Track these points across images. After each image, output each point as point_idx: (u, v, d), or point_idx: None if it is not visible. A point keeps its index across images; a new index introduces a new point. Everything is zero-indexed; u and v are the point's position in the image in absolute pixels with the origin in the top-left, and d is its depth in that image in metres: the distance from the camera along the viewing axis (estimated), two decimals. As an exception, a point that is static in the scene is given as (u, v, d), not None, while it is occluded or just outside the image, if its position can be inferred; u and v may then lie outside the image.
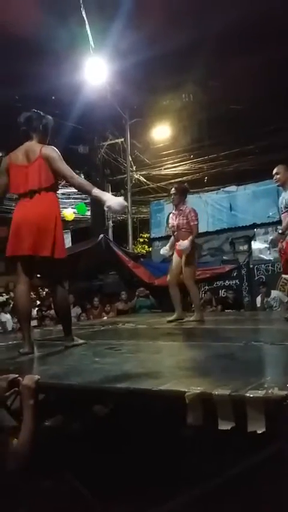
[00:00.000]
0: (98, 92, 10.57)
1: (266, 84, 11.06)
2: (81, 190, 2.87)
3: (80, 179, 2.88)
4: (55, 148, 2.87)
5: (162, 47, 9.70)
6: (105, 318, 8.25)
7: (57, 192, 2.95)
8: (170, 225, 4.77)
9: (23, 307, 2.90)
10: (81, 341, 3.09)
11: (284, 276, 4.80)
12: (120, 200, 2.74)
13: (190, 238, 4.42)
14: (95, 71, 9.71)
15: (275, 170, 4.26)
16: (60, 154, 2.84)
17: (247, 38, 10.10)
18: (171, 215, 4.73)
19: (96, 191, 2.76)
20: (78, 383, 1.89)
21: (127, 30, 9.03)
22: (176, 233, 4.65)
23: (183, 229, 4.51)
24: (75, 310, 9.83)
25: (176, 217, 4.61)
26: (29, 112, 2.96)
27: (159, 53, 9.97)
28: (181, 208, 4.57)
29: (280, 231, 4.23)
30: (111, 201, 2.69)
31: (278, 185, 4.41)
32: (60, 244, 2.83)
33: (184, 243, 4.40)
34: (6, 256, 2.84)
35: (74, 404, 2.94)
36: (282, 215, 4.24)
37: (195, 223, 4.49)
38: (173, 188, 4.76)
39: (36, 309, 10.15)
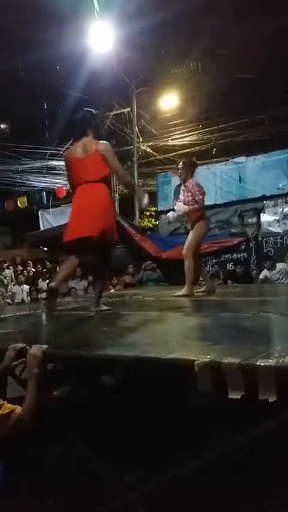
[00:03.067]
0: (104, 59, 10.26)
1: (276, 52, 10.68)
2: (124, 180, 3.52)
3: (123, 171, 3.52)
4: (109, 144, 3.28)
5: (169, 13, 9.35)
6: (112, 291, 8.28)
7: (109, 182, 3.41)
8: (178, 201, 4.69)
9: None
10: (105, 307, 3.27)
11: None
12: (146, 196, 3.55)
13: (185, 207, 4.42)
14: (100, 37, 9.36)
15: None
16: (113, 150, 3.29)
17: (257, 4, 9.68)
18: (181, 190, 4.65)
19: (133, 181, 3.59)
20: (87, 351, 1.88)
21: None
22: None
23: (190, 205, 4.45)
24: (82, 283, 9.90)
25: (183, 193, 4.54)
26: (84, 112, 3.34)
27: (166, 19, 9.61)
28: (187, 184, 4.47)
29: None
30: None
31: None
32: (111, 228, 3.21)
33: (178, 205, 4.50)
34: (66, 240, 3.15)
35: (82, 374, 2.97)
36: None
37: (200, 197, 4.39)
38: (180, 163, 4.57)
39: (47, 282, 10.23)
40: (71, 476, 2.48)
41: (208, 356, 1.51)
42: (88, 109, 3.35)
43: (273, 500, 1.92)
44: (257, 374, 1.37)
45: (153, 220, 15.50)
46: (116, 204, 11.96)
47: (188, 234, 4.60)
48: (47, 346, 1.94)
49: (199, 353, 1.59)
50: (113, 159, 3.16)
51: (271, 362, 1.40)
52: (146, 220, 15.90)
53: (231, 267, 9.36)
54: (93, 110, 3.36)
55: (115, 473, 2.24)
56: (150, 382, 2.27)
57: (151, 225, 14.74)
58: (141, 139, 12.21)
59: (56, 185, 12.96)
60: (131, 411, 2.73)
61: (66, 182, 12.99)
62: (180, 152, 12.24)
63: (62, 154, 12.80)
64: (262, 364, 1.39)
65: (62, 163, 13.47)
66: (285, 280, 7.84)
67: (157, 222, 13.31)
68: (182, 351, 1.70)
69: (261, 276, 8.18)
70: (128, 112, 11.83)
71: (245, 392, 1.41)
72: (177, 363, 1.55)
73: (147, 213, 16.06)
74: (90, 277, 9.91)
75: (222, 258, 9.83)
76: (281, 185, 10.40)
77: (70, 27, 9.16)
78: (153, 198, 13.62)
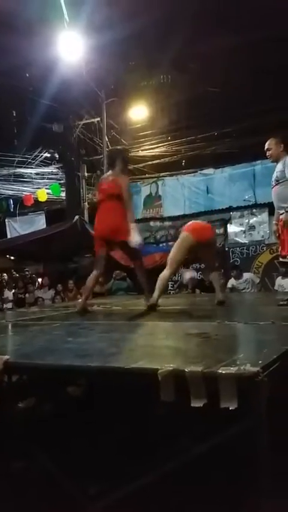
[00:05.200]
0: (73, 69, 10.24)
1: (244, 66, 11.00)
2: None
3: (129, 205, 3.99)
4: (125, 178, 4.05)
5: (139, 24, 9.46)
6: (80, 300, 8.18)
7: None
8: None
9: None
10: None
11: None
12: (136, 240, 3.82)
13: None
14: (70, 47, 9.37)
15: (266, 146, 4.08)
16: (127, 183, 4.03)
17: (226, 18, 9.97)
18: None
19: (133, 225, 3.86)
20: (50, 362, 1.84)
21: (103, 4, 8.74)
22: None
23: None
24: (50, 293, 9.74)
25: None
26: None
27: (137, 31, 9.72)
28: None
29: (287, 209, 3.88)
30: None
31: (271, 161, 4.16)
32: (118, 228, 3.91)
33: None
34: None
35: (47, 385, 2.91)
36: (273, 189, 4.08)
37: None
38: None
39: (13, 291, 10.00)
40: (35, 490, 2.41)
41: (172, 365, 1.52)
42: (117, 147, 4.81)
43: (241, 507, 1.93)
44: (219, 382, 1.39)
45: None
46: (86, 212, 11.88)
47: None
48: (8, 357, 1.89)
49: (163, 361, 1.60)
50: (125, 191, 3.92)
51: (232, 369, 1.42)
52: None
53: (199, 277, 9.47)
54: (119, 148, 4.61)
55: (80, 485, 2.19)
56: (115, 392, 2.25)
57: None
58: (111, 148, 12.23)
59: (24, 193, 12.77)
60: (97, 421, 2.69)
61: (34, 190, 12.85)
62: (150, 163, 12.34)
63: (30, 162, 12.66)
64: (224, 372, 1.41)
65: (30, 170, 13.36)
66: (251, 289, 8.01)
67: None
68: (147, 360, 1.70)
69: (228, 285, 8.31)
70: (97, 121, 11.84)
71: (207, 400, 1.42)
72: (141, 372, 1.54)
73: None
74: (59, 286, 9.78)
75: (190, 268, 9.93)
76: (247, 197, 10.67)
77: (39, 35, 9.11)
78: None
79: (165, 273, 4.02)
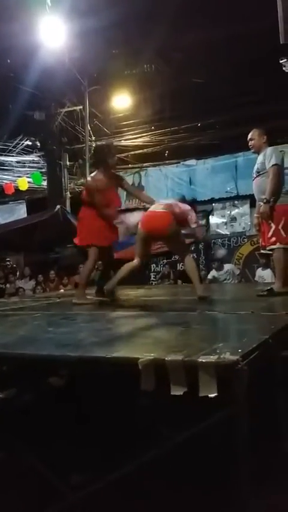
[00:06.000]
0: (56, 55, 10.03)
1: (228, 58, 10.98)
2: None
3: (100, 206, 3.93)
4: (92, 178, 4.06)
5: (123, 12, 9.32)
6: (61, 291, 8.14)
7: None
8: None
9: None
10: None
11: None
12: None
13: None
14: (52, 32, 9.15)
15: (249, 136, 4.07)
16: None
17: (210, 9, 9.91)
18: None
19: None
20: (29, 352, 1.83)
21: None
22: None
23: None
24: (31, 283, 9.64)
25: None
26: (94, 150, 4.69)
27: (121, 19, 9.57)
28: None
29: (265, 200, 3.78)
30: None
31: (253, 152, 4.16)
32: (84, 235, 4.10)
33: None
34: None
35: (27, 375, 2.89)
36: (254, 181, 4.07)
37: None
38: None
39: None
40: (16, 481, 2.40)
41: (152, 354, 1.52)
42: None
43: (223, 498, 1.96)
44: (199, 370, 1.40)
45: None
46: (68, 202, 11.75)
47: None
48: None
49: (144, 351, 1.60)
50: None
51: (212, 358, 1.43)
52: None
53: (182, 267, 9.52)
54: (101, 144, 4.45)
55: (60, 476, 2.19)
56: (96, 382, 2.25)
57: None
58: (93, 137, 12.10)
59: (4, 181, 12.52)
60: (78, 412, 2.69)
61: (14, 178, 12.62)
62: (132, 152, 12.26)
63: (10, 150, 12.43)
64: (204, 360, 1.42)
65: (11, 158, 13.10)
66: (232, 280, 8.10)
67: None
68: (127, 349, 1.70)
69: (209, 276, 8.39)
70: (80, 109, 11.68)
71: (187, 388, 1.43)
72: (122, 361, 1.54)
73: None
74: (40, 277, 9.70)
75: (173, 259, 9.98)
76: (229, 188, 10.73)
77: (20, 20, 8.86)
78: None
79: (130, 263, 3.73)
